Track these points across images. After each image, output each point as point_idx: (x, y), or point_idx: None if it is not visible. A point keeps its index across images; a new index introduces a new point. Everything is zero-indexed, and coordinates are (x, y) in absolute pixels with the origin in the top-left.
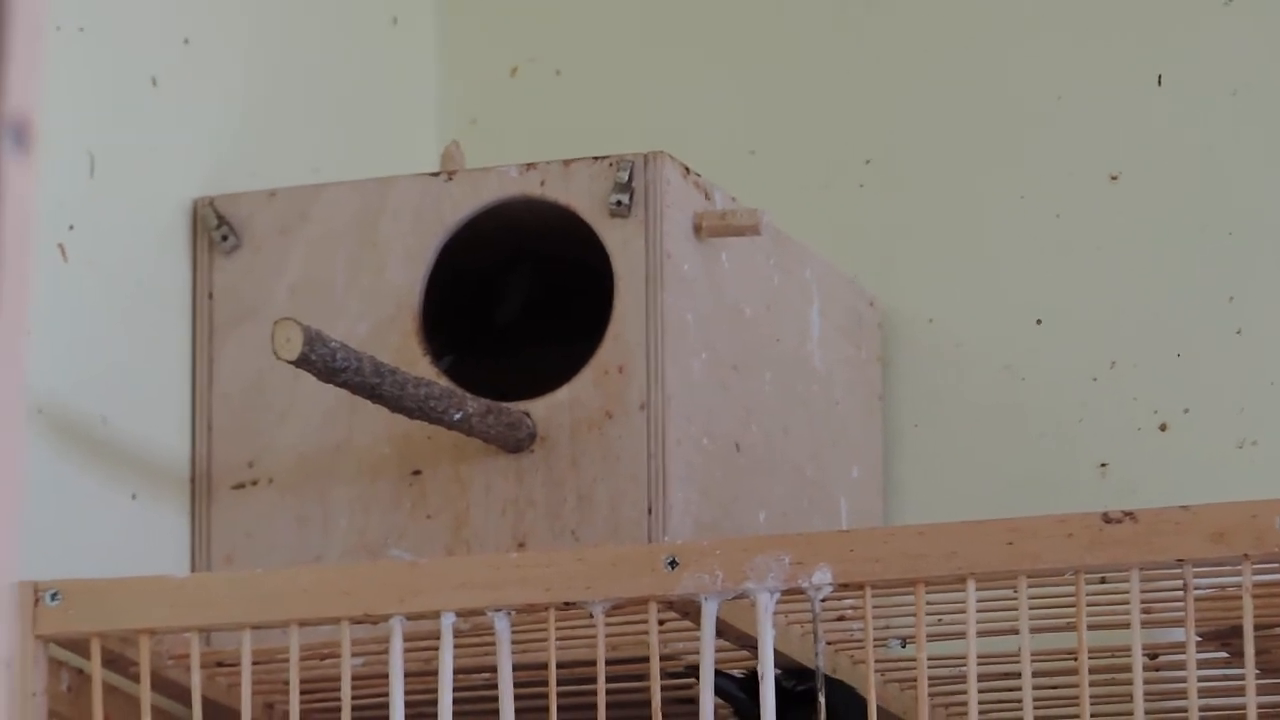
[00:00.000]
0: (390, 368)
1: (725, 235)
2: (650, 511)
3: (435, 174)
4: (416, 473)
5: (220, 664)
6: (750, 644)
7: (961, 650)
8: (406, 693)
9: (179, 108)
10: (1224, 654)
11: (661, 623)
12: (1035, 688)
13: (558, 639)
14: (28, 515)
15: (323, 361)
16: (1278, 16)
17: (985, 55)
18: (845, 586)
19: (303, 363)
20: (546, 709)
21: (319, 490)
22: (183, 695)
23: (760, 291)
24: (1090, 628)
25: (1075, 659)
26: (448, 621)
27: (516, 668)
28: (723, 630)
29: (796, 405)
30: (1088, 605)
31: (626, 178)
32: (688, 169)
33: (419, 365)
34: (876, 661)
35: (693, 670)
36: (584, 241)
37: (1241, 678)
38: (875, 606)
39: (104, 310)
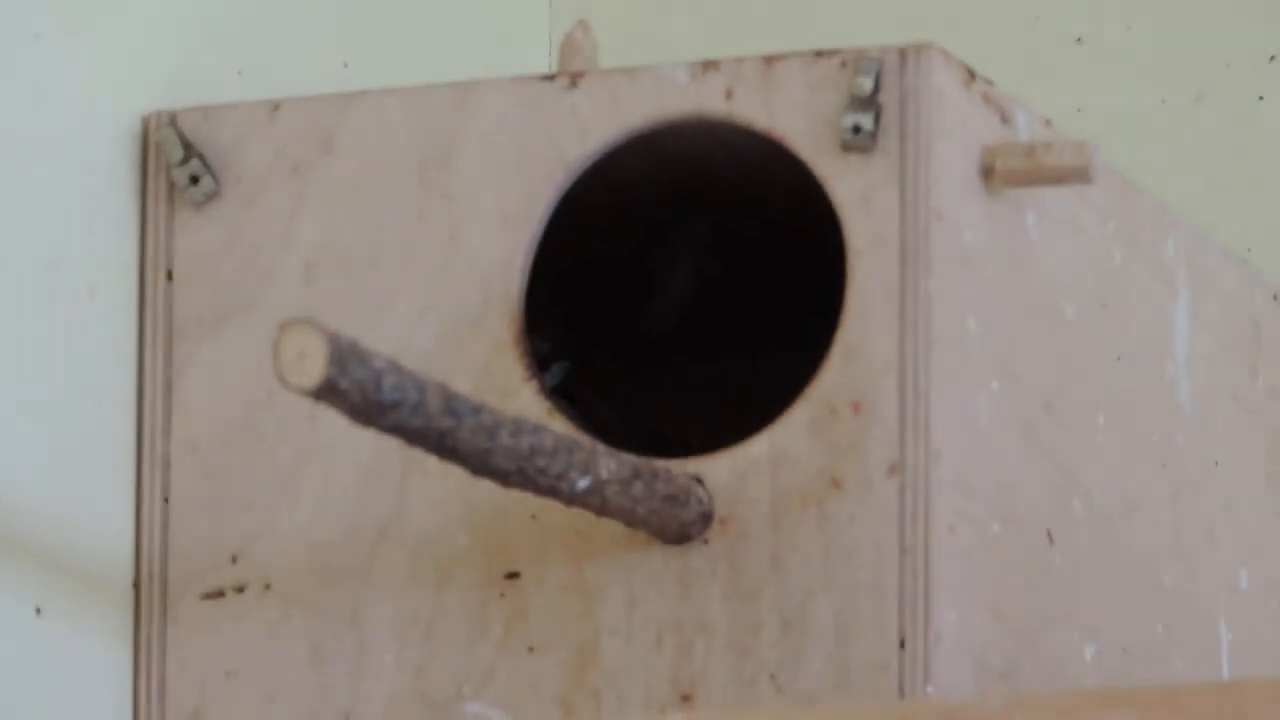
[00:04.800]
0: (471, 403)
1: (1035, 184)
2: (903, 645)
3: (549, 76)
4: (512, 575)
5: None
6: None
7: None
8: None
9: None
10: None
11: None
12: None
13: None
14: None
15: (360, 392)
16: None
17: None
18: None
19: (327, 394)
20: None
21: (348, 603)
22: None
23: (1091, 278)
24: None
25: None
26: None
27: None
28: None
29: (1150, 468)
30: None
31: (870, 87)
32: (972, 72)
33: (519, 396)
34: None
35: None
36: (796, 191)
37: None
38: None
39: None
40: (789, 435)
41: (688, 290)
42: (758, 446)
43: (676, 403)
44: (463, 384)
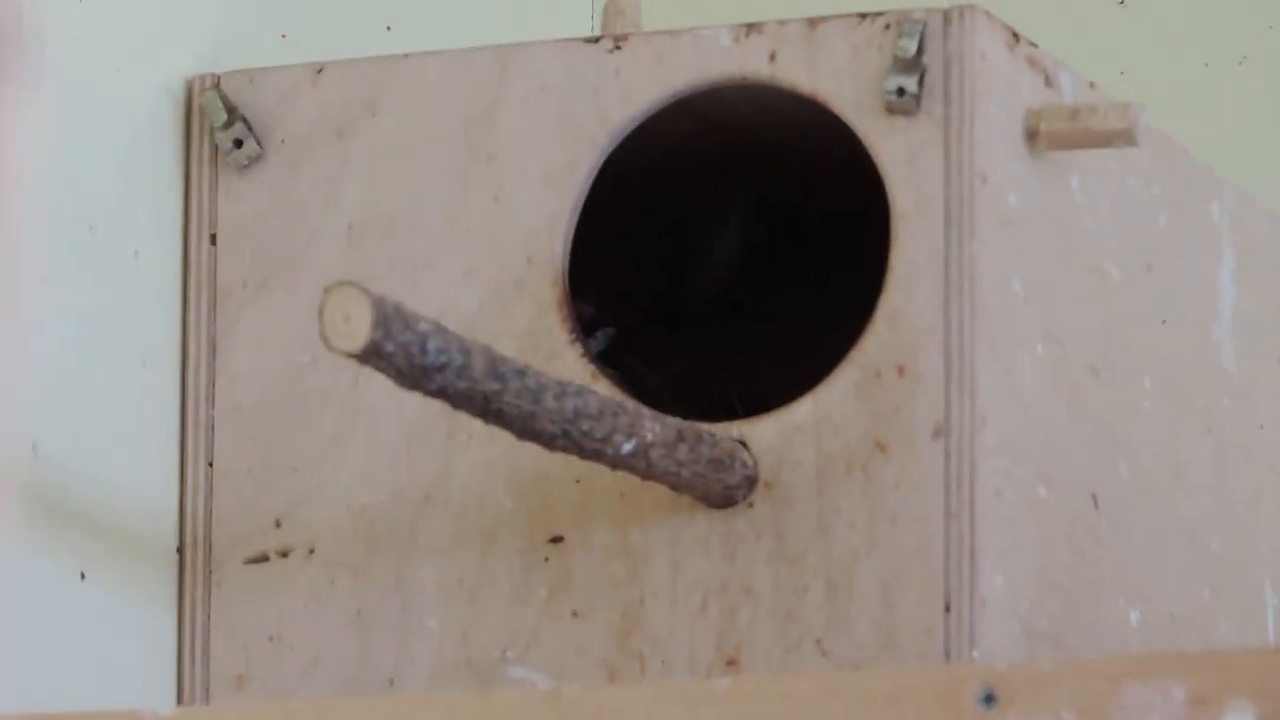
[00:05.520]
0: (516, 365)
1: (1079, 146)
2: (949, 609)
3: (593, 39)
4: (557, 539)
5: None
6: None
7: None
8: None
9: None
10: None
11: None
12: None
13: None
14: None
15: (404, 355)
16: None
17: None
18: None
19: (371, 357)
20: None
21: (392, 568)
22: None
23: (1136, 241)
24: None
25: None
26: None
27: None
28: None
29: (1195, 432)
30: None
31: (914, 49)
32: (1016, 34)
33: (563, 359)
34: None
35: None
36: (839, 154)
37: None
38: None
39: (32, 268)
40: (833, 399)
41: (732, 254)
42: (802, 410)
43: (721, 367)
44: (506, 347)
